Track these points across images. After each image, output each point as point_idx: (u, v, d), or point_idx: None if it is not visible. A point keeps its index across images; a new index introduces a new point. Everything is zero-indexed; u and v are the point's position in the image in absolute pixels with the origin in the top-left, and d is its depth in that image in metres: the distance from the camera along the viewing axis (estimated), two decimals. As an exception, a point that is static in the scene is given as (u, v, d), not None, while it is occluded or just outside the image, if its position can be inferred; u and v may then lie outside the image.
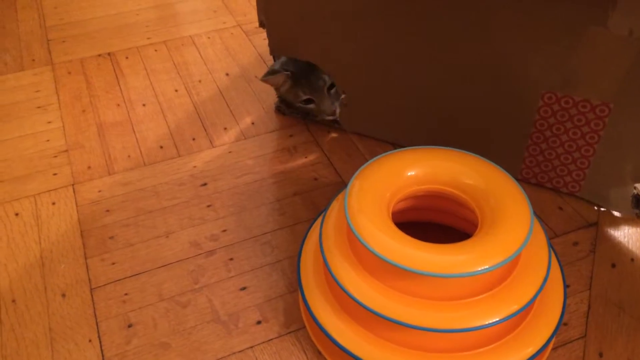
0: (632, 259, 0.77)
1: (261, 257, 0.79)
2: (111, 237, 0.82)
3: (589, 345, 0.68)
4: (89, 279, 0.77)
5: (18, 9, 1.38)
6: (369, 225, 0.60)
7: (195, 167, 0.93)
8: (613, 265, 0.76)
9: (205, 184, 0.90)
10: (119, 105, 1.07)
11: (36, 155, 0.96)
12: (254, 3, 1.21)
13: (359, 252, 0.61)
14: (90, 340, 0.70)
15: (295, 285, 0.75)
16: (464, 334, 0.59)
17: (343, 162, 0.93)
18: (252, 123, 1.02)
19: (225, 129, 1.01)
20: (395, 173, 0.66)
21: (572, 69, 0.73)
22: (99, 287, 0.76)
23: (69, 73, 1.16)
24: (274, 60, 1.01)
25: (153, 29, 1.29)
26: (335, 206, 0.69)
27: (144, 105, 1.07)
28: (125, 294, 0.75)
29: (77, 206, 0.87)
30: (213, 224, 0.83)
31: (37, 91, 1.11)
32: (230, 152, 0.96)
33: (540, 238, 0.64)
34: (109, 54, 1.21)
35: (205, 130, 1.01)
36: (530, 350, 0.61)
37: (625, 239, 0.79)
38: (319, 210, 0.85)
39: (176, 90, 1.10)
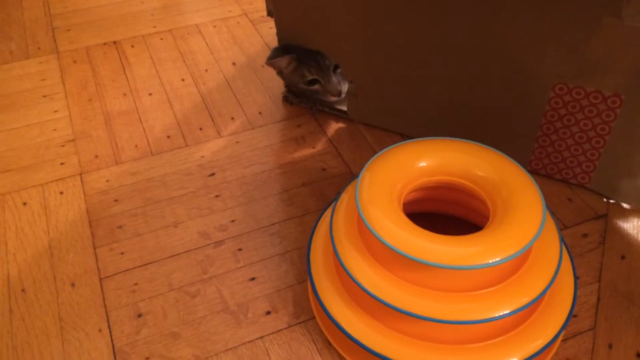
0: (642, 251, 0.77)
1: (270, 247, 0.79)
2: (120, 227, 0.82)
3: (599, 337, 0.68)
4: (98, 269, 0.77)
5: (22, -4, 1.37)
6: (381, 216, 0.60)
7: (202, 157, 0.93)
8: (623, 257, 0.76)
9: (213, 174, 0.90)
10: (125, 94, 1.06)
11: (43, 145, 0.96)
12: (261, -9, 1.20)
13: (370, 244, 0.61)
14: (100, 330, 0.70)
15: (304, 276, 0.75)
16: (474, 326, 0.59)
17: (351, 152, 0.93)
18: (260, 113, 1.01)
19: (232, 118, 1.00)
20: (406, 164, 0.66)
21: (585, 60, 0.72)
22: (108, 276, 0.76)
23: (75, 62, 1.15)
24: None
25: (158, 18, 1.28)
26: (345, 197, 0.69)
27: (150, 94, 1.06)
28: (135, 284, 0.75)
29: (85, 196, 0.87)
30: (221, 214, 0.83)
31: (43, 80, 1.11)
32: (237, 142, 0.96)
33: (551, 231, 0.64)
34: (114, 42, 1.20)
35: (213, 120, 1.00)
36: (541, 342, 0.61)
37: (635, 231, 0.79)
38: (327, 200, 0.85)
39: (183, 80, 1.10)
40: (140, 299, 0.73)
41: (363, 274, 0.60)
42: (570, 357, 0.66)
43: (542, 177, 0.87)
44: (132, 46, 1.19)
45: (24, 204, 0.86)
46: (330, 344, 0.68)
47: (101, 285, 0.75)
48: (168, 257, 0.78)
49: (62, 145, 0.96)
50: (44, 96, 1.06)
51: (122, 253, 0.78)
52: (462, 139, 0.69)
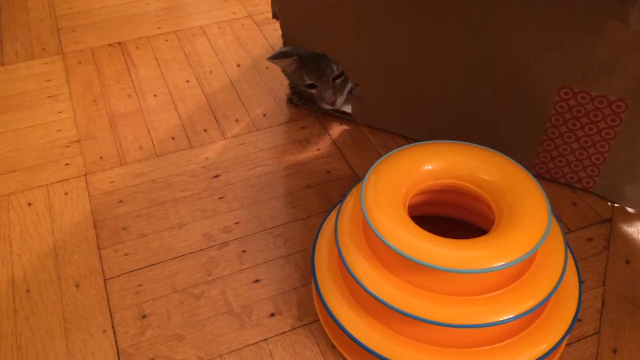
0: (646, 256, 0.77)
1: (274, 249, 0.79)
2: (124, 228, 0.82)
3: (603, 342, 0.68)
4: (103, 270, 0.77)
5: (28, -3, 1.37)
6: (386, 219, 0.60)
7: (207, 158, 0.93)
8: (627, 262, 0.76)
9: (217, 176, 0.90)
10: (130, 95, 1.07)
11: (48, 145, 0.96)
12: (266, -7, 1.20)
13: (375, 246, 0.61)
14: (104, 331, 0.70)
15: (309, 278, 0.75)
16: (479, 330, 0.59)
17: (355, 154, 0.93)
18: (264, 115, 1.02)
19: (236, 120, 1.00)
20: (412, 167, 0.66)
21: (590, 65, 0.72)
22: (113, 277, 0.76)
23: (80, 62, 1.15)
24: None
25: (163, 19, 1.28)
26: (350, 200, 0.69)
27: (155, 95, 1.06)
28: (139, 285, 0.75)
29: (89, 197, 0.87)
30: (225, 216, 0.83)
31: (48, 80, 1.11)
32: (242, 143, 0.96)
33: (557, 235, 0.64)
34: (119, 43, 1.21)
35: (217, 121, 1.00)
36: (545, 346, 0.61)
37: None
38: (331, 203, 0.85)
39: (187, 81, 1.10)
40: (144, 300, 0.73)
41: (368, 276, 0.60)
42: (574, 361, 0.66)
43: (547, 181, 0.87)
44: (137, 47, 1.19)
45: (29, 204, 0.86)
46: (334, 346, 0.68)
47: (105, 287, 0.75)
48: (172, 259, 0.78)
49: (67, 146, 0.96)
50: (49, 97, 1.07)
51: (126, 254, 0.79)
52: (467, 143, 0.69)
